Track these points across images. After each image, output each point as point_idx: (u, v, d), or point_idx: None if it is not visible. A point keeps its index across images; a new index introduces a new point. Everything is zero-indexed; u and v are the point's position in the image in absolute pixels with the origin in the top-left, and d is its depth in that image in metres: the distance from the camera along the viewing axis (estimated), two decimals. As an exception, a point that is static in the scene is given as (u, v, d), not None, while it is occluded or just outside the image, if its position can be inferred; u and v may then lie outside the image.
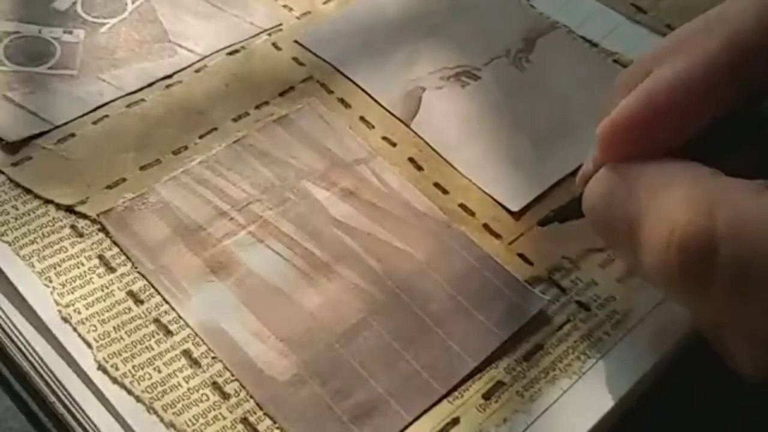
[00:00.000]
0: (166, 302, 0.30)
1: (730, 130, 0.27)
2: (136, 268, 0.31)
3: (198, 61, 0.38)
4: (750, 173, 0.25)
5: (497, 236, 0.33)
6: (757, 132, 0.28)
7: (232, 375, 0.29)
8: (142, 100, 0.36)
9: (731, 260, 0.24)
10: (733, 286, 0.25)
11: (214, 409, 0.28)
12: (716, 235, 0.24)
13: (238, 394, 0.29)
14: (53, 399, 0.29)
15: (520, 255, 0.33)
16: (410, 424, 0.29)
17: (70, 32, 0.38)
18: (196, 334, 0.30)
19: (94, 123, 0.35)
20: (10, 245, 0.31)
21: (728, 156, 0.27)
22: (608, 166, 0.28)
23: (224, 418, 0.28)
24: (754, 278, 0.24)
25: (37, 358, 0.29)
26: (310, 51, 0.39)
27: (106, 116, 0.36)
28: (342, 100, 0.37)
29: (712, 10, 0.28)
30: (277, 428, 0.28)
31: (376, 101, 0.37)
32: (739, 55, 0.27)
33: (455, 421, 0.29)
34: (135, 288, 0.31)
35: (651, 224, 0.26)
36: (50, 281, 0.30)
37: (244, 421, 0.28)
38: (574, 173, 0.35)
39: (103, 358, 0.29)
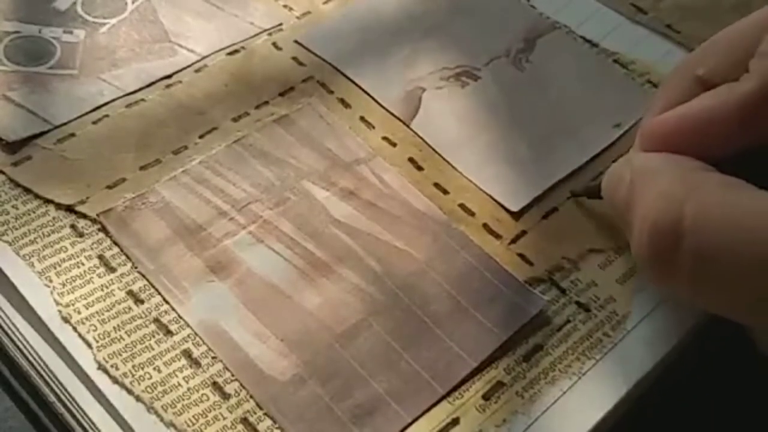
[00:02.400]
0: (166, 302, 0.30)
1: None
2: (136, 267, 0.31)
3: (198, 61, 0.38)
4: None
5: (497, 236, 0.33)
6: None
7: (232, 375, 0.29)
8: (142, 100, 0.36)
9: (693, 252, 0.26)
10: (694, 276, 0.27)
11: (214, 409, 0.28)
12: (682, 227, 0.26)
13: (238, 394, 0.29)
14: (53, 399, 0.29)
15: (520, 255, 0.33)
16: (410, 424, 0.29)
17: (71, 32, 0.38)
18: (196, 334, 0.30)
19: (94, 123, 0.35)
20: (10, 245, 0.31)
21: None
22: (627, 155, 0.31)
23: (224, 418, 0.28)
24: (713, 271, 0.26)
25: (37, 358, 0.29)
26: (311, 51, 0.39)
27: (106, 116, 0.36)
28: (342, 100, 0.37)
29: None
30: (277, 428, 0.28)
31: (376, 101, 0.37)
32: None
33: (455, 422, 0.29)
34: (135, 288, 0.31)
35: (636, 210, 0.28)
36: (50, 281, 0.30)
37: (244, 421, 0.28)
38: (574, 173, 0.36)
39: (103, 358, 0.29)
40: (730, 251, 0.25)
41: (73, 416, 0.28)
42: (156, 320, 0.30)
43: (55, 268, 0.31)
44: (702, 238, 0.26)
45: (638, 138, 0.31)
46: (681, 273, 0.27)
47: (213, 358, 0.29)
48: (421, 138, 0.36)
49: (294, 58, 0.39)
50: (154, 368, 0.29)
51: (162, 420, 0.28)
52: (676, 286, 0.28)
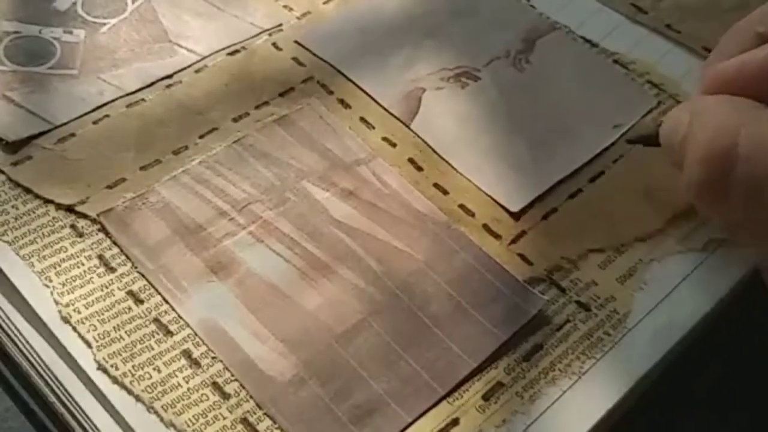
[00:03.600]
0: (166, 302, 0.30)
1: None
2: (136, 267, 0.31)
3: (198, 61, 0.38)
4: None
5: (497, 237, 0.33)
6: None
7: (232, 375, 0.29)
8: (143, 100, 0.36)
9: (746, 177, 0.28)
10: (745, 203, 0.28)
11: (214, 409, 0.28)
12: (735, 153, 0.28)
13: (238, 394, 0.29)
14: (53, 399, 0.29)
15: (520, 255, 0.33)
16: (410, 424, 0.29)
17: (71, 32, 0.38)
18: (196, 334, 0.30)
19: (95, 123, 0.35)
20: (10, 245, 0.31)
21: None
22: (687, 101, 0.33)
23: (224, 418, 0.28)
24: (765, 197, 0.27)
25: (36, 358, 0.29)
26: (311, 51, 0.39)
27: (107, 116, 0.36)
28: (342, 101, 0.37)
29: None
30: (277, 428, 0.28)
31: (376, 102, 0.37)
32: None
33: (455, 422, 0.29)
34: (135, 288, 0.31)
35: (692, 142, 0.29)
36: (50, 281, 0.30)
37: (244, 421, 0.28)
38: (574, 173, 0.36)
39: (103, 358, 0.29)
40: None
41: (73, 416, 0.28)
42: (156, 320, 0.30)
43: (55, 268, 0.31)
44: (755, 164, 0.27)
45: (700, 85, 0.32)
46: (732, 199, 0.28)
47: (213, 358, 0.29)
48: (421, 138, 0.36)
49: (294, 59, 0.39)
50: (154, 368, 0.29)
51: (162, 420, 0.28)
52: (726, 215, 0.29)
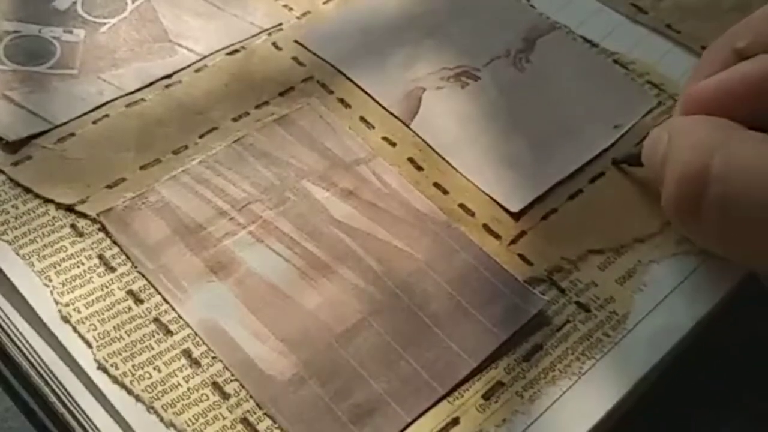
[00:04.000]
0: (166, 302, 0.30)
1: None
2: (135, 267, 0.31)
3: (198, 60, 0.38)
4: None
5: (497, 236, 0.33)
6: None
7: (232, 375, 0.29)
8: (142, 99, 0.36)
9: (718, 198, 0.28)
10: (718, 224, 0.29)
11: (214, 409, 0.28)
12: (709, 175, 0.28)
13: (238, 394, 0.29)
14: (53, 399, 0.29)
15: (520, 255, 0.33)
16: (410, 424, 0.29)
17: (70, 32, 0.38)
18: (196, 334, 0.30)
19: (94, 122, 0.35)
20: (9, 244, 0.31)
21: None
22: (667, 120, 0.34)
23: (224, 418, 0.28)
24: (737, 218, 0.28)
25: (36, 358, 0.29)
26: (311, 51, 0.39)
27: (106, 116, 0.35)
28: (342, 101, 0.37)
29: None
30: (277, 428, 0.28)
31: (376, 101, 0.37)
32: None
33: (455, 422, 0.29)
34: (135, 287, 0.31)
35: (669, 164, 0.30)
36: (50, 280, 0.30)
37: (244, 420, 0.28)
38: (574, 174, 0.36)
39: (103, 358, 0.29)
40: (755, 199, 0.27)
41: (73, 416, 0.28)
42: (156, 320, 0.30)
43: (54, 267, 0.31)
44: (728, 185, 0.28)
45: (678, 105, 0.33)
46: (707, 220, 0.29)
47: (213, 357, 0.29)
48: (421, 138, 0.36)
49: (294, 58, 0.39)
50: (154, 368, 0.29)
51: (162, 420, 0.28)
52: (702, 234, 0.30)
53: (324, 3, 0.41)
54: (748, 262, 0.31)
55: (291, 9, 0.41)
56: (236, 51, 0.39)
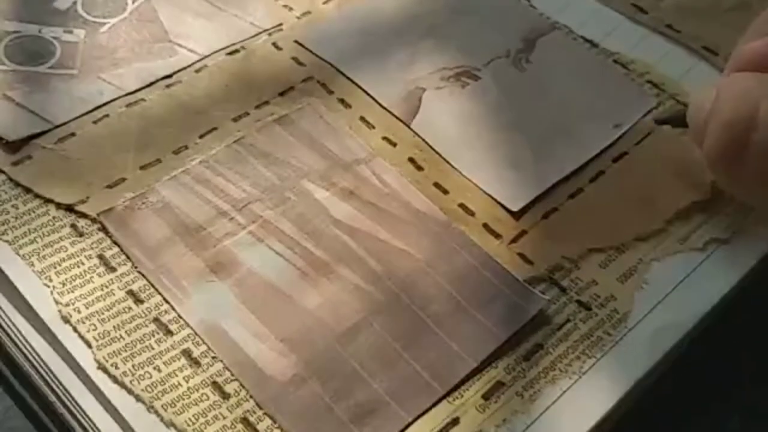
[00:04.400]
0: (166, 302, 0.30)
1: None
2: (136, 267, 0.31)
3: (198, 60, 0.38)
4: None
5: (497, 236, 0.33)
6: None
7: (232, 375, 0.29)
8: (142, 99, 0.36)
9: (763, 143, 0.29)
10: (762, 170, 0.30)
11: (214, 409, 0.28)
12: (754, 121, 0.30)
13: (238, 394, 0.29)
14: (53, 398, 0.29)
15: (520, 255, 0.33)
16: (410, 424, 0.29)
17: (71, 32, 0.38)
18: (196, 334, 0.30)
19: (95, 122, 0.35)
20: (10, 244, 0.31)
21: None
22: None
23: (224, 418, 0.28)
24: None
25: (36, 358, 0.29)
26: (311, 51, 0.39)
27: (107, 116, 0.35)
28: (342, 100, 0.37)
29: None
30: (277, 428, 0.28)
31: (376, 101, 0.37)
32: None
33: (455, 422, 0.29)
34: (135, 287, 0.31)
35: (715, 113, 0.31)
36: (50, 280, 0.30)
37: (244, 420, 0.28)
38: (574, 173, 0.36)
39: (103, 357, 0.29)
40: None
41: (73, 416, 0.28)
42: (156, 320, 0.30)
43: (55, 267, 0.31)
44: None
45: (728, 65, 0.33)
46: (748, 165, 0.30)
47: (213, 357, 0.29)
48: (422, 138, 0.36)
49: (294, 58, 0.39)
50: (154, 367, 0.29)
51: (162, 419, 0.28)
52: (743, 181, 0.31)
53: (324, 3, 0.41)
54: None
55: (291, 9, 0.41)
56: (236, 51, 0.39)
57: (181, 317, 0.30)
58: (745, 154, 0.30)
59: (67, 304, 0.30)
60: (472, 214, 0.34)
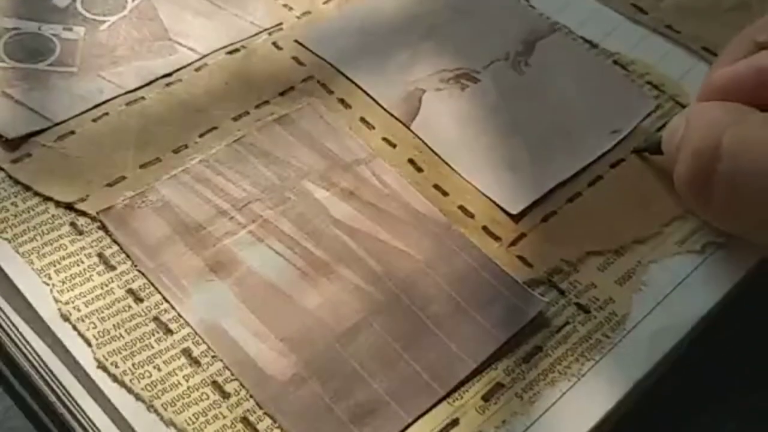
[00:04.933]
0: (166, 301, 0.30)
1: None
2: (135, 266, 0.31)
3: (198, 59, 0.38)
4: None
5: (496, 238, 0.33)
6: None
7: (232, 374, 0.29)
8: (142, 98, 0.36)
9: (727, 174, 0.30)
10: (726, 198, 0.31)
11: (214, 408, 0.28)
12: (719, 151, 0.30)
13: (238, 393, 0.29)
14: (53, 398, 0.29)
15: (520, 257, 0.33)
16: (410, 425, 0.29)
17: (70, 29, 0.38)
18: (196, 333, 0.30)
19: (94, 120, 0.35)
20: (9, 242, 0.31)
21: None
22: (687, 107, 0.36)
23: (224, 417, 0.28)
24: (744, 193, 0.30)
25: (36, 357, 0.29)
26: (311, 51, 0.39)
27: (106, 114, 0.35)
28: (342, 101, 0.37)
29: None
30: (277, 428, 0.28)
31: (376, 102, 0.37)
32: None
33: (454, 423, 0.29)
34: (135, 286, 0.31)
35: (684, 142, 0.32)
36: (50, 279, 0.30)
37: (244, 420, 0.28)
38: (574, 176, 0.36)
39: (103, 356, 0.29)
40: (762, 176, 0.29)
41: (73, 416, 0.28)
42: (155, 319, 0.30)
43: (54, 265, 0.31)
44: (737, 161, 0.30)
45: (699, 90, 0.34)
46: (716, 194, 0.31)
47: (213, 357, 0.29)
48: (421, 139, 0.36)
49: (294, 58, 0.39)
50: (154, 366, 0.29)
51: (162, 418, 0.28)
52: (711, 209, 0.32)
53: (324, 3, 0.41)
54: (754, 237, 0.33)
55: (291, 9, 0.41)
56: (236, 50, 0.39)
57: (180, 316, 0.30)
58: (711, 182, 0.31)
59: (67, 303, 0.30)
60: (472, 216, 0.34)
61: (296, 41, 0.39)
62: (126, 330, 0.30)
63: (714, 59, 0.39)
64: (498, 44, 0.40)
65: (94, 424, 0.28)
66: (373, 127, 0.36)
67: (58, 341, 0.29)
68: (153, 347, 0.29)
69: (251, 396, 0.29)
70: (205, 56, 0.38)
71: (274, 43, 0.39)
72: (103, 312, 0.30)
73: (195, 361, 0.29)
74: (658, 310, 0.32)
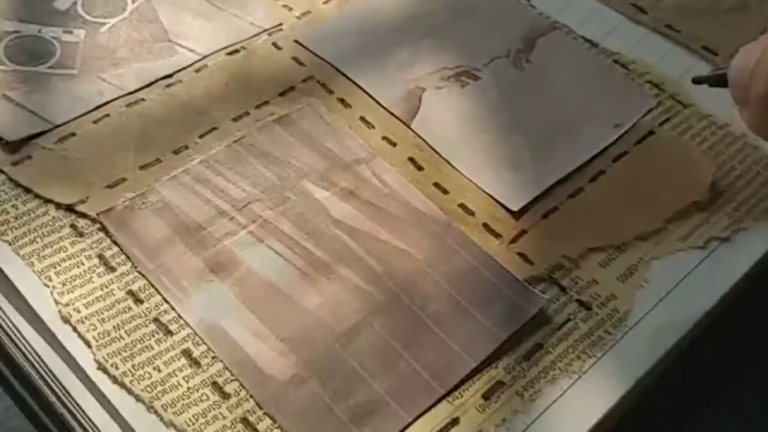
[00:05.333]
0: (166, 302, 0.30)
1: None
2: (135, 267, 0.31)
3: (198, 60, 0.38)
4: None
5: (497, 236, 0.33)
6: None
7: (232, 375, 0.29)
8: (142, 99, 0.36)
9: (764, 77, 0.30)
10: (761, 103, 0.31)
11: (214, 409, 0.28)
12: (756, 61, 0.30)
13: (238, 394, 0.29)
14: (53, 398, 0.29)
15: (520, 254, 0.33)
16: (410, 424, 0.28)
17: (71, 32, 0.38)
18: (196, 334, 0.30)
19: (95, 122, 0.35)
20: (10, 244, 0.31)
21: None
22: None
23: (224, 418, 0.28)
24: None
25: (36, 358, 0.29)
26: (311, 51, 0.39)
27: (107, 115, 0.36)
28: (342, 100, 0.37)
29: None
30: (277, 428, 0.28)
31: (376, 101, 0.37)
32: None
33: (455, 422, 0.29)
34: (135, 287, 0.31)
35: (762, 67, 0.31)
36: (50, 280, 0.30)
37: (244, 420, 0.28)
38: (574, 172, 0.35)
39: (103, 357, 0.29)
40: None
41: (73, 416, 0.28)
42: (156, 320, 0.30)
43: (54, 267, 0.31)
44: None
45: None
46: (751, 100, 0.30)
47: (213, 357, 0.29)
48: (422, 138, 0.36)
49: (294, 58, 0.39)
50: (154, 368, 0.29)
51: (162, 419, 0.28)
52: (749, 112, 0.31)
53: (324, 3, 0.41)
54: None
55: (291, 9, 0.41)
56: (236, 51, 0.39)
57: (180, 317, 0.30)
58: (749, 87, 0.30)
59: (67, 304, 0.30)
60: (472, 213, 0.34)
61: (296, 41, 0.39)
62: (126, 331, 0.30)
63: (714, 59, 0.39)
64: (498, 42, 0.40)
65: (95, 425, 0.28)
66: (373, 127, 0.36)
67: (59, 343, 0.29)
68: (153, 348, 0.29)
69: (251, 396, 0.29)
70: (205, 57, 0.38)
71: (274, 44, 0.39)
72: (103, 313, 0.30)
73: (195, 362, 0.29)
74: (660, 307, 0.32)
